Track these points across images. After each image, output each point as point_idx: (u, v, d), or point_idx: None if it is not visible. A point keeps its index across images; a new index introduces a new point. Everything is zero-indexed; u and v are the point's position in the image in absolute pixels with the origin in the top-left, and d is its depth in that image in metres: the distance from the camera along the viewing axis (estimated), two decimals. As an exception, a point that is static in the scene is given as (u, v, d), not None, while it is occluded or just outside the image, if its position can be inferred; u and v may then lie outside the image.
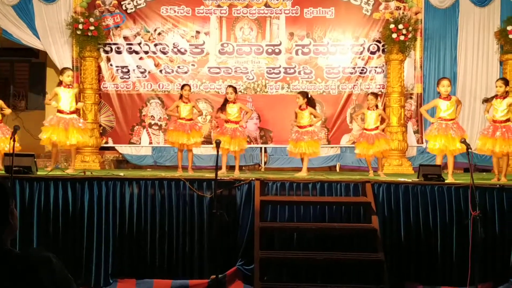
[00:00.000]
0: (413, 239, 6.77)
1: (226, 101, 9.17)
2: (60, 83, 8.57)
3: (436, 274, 6.70)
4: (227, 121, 9.08)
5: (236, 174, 8.68)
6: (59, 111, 8.45)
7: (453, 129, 7.87)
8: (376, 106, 9.22)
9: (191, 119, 9.16)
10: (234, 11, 11.25)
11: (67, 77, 8.51)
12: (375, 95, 9.35)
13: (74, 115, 8.55)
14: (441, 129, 7.92)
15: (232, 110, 9.06)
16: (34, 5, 11.01)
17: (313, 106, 9.13)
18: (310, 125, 8.94)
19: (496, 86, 8.22)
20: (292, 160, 10.83)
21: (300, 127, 8.95)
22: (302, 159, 9.03)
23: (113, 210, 6.86)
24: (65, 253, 6.57)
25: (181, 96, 9.24)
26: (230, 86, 9.51)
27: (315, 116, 9.09)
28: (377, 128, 9.06)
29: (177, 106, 9.20)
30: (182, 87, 9.39)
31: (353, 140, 11.08)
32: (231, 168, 9.40)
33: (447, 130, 7.86)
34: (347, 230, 6.77)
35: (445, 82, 8.17)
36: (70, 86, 8.60)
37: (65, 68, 8.93)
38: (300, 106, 8.98)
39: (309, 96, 9.10)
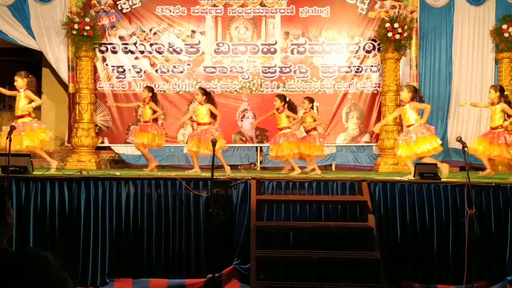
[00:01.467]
0: (409, 238, 6.78)
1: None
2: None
3: (433, 273, 6.71)
4: (197, 123, 9.27)
5: (228, 170, 8.83)
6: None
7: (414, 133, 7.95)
8: (312, 108, 9.30)
9: (147, 121, 9.39)
10: (229, 10, 11.27)
11: (15, 82, 8.60)
12: (309, 99, 9.32)
13: (27, 119, 8.58)
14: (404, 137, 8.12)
15: (200, 112, 9.11)
16: (30, 5, 11.00)
17: (293, 110, 9.19)
18: (287, 127, 9.05)
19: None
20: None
21: (279, 129, 9.05)
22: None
23: (109, 210, 6.85)
24: (62, 252, 6.55)
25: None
26: (199, 87, 9.65)
27: (293, 119, 9.15)
28: (313, 129, 9.20)
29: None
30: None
31: (348, 139, 11.16)
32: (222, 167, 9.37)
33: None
34: (343, 228, 6.78)
35: None
36: (19, 91, 8.64)
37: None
38: (277, 109, 9.07)
39: (288, 99, 9.19)
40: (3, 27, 10.96)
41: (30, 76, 8.73)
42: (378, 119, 10.96)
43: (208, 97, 9.19)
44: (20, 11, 10.97)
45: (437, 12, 11.22)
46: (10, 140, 6.38)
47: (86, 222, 6.82)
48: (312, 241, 6.80)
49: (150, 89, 9.53)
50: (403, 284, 6.68)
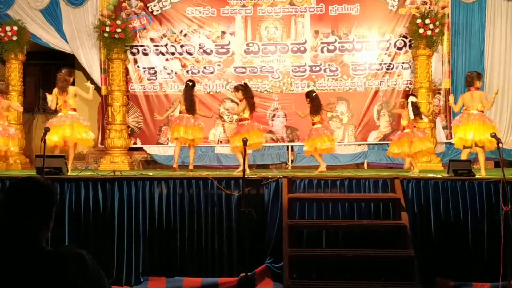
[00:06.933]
0: (443, 235, 6.71)
1: None
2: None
3: (468, 270, 6.62)
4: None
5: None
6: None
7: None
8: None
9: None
10: (259, 10, 11.28)
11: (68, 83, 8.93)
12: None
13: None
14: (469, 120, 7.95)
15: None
16: (62, 9, 11.18)
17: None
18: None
19: None
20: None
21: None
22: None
23: (142, 209, 6.92)
24: (96, 252, 6.60)
25: None
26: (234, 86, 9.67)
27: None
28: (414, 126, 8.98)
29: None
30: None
31: (380, 137, 11.05)
32: (258, 166, 9.36)
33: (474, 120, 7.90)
34: (376, 226, 6.73)
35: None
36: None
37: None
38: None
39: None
40: (36, 31, 11.16)
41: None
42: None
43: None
44: (52, 15, 11.15)
45: (469, 7, 11.05)
46: (45, 142, 6.50)
47: (120, 222, 6.91)
48: (345, 240, 6.78)
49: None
50: (438, 281, 6.60)
